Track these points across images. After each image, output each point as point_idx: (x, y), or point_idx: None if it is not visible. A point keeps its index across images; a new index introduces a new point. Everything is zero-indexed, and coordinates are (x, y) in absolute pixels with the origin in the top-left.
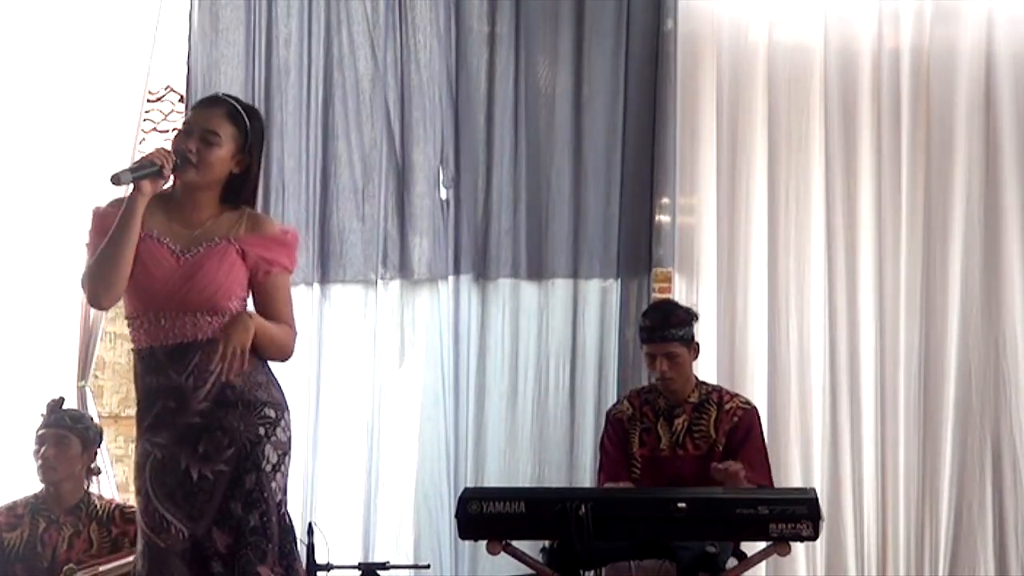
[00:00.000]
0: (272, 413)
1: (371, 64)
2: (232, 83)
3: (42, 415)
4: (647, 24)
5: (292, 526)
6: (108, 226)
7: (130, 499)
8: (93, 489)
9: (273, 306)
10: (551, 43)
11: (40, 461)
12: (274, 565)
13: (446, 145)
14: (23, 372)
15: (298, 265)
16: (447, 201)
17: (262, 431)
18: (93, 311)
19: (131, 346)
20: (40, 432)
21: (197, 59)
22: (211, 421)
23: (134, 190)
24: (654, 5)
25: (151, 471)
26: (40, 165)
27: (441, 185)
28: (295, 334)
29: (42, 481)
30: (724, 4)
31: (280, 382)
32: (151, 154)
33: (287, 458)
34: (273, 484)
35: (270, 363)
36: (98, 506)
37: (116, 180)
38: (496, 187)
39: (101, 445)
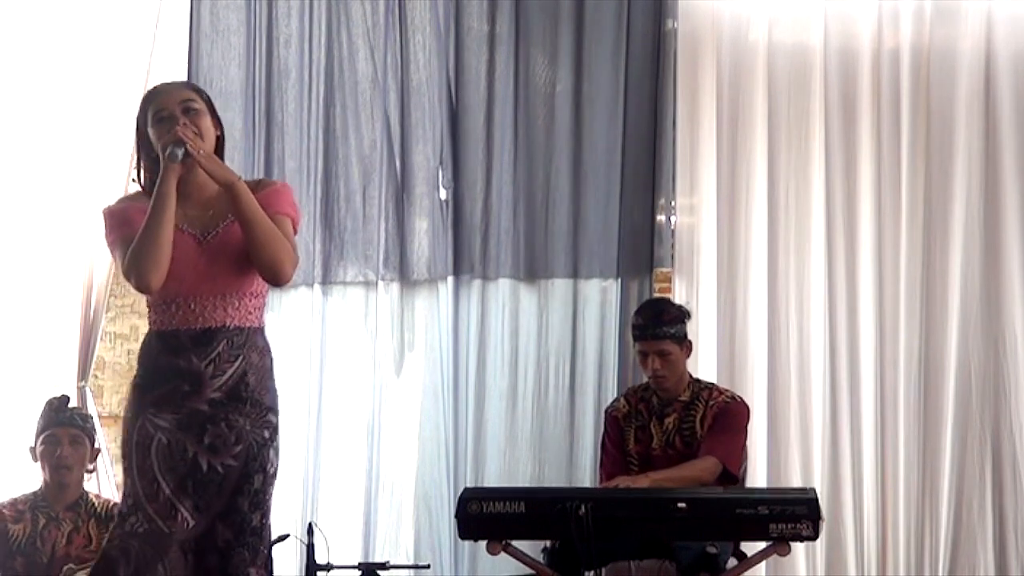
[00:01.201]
0: (274, 420)
1: (371, 65)
2: (232, 84)
3: (45, 413)
4: (647, 24)
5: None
6: (129, 217)
7: None
8: (90, 487)
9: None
10: (551, 43)
11: (55, 461)
12: (262, 567)
13: (445, 145)
14: (23, 372)
15: (299, 216)
16: (447, 201)
17: (267, 434)
18: (93, 312)
19: (149, 327)
20: (50, 432)
21: (197, 60)
22: (218, 412)
23: (166, 169)
24: (654, 5)
25: (158, 455)
26: (40, 165)
27: (441, 185)
28: (296, 258)
29: (54, 480)
30: (724, 4)
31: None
32: (176, 131)
33: (279, 467)
34: (271, 489)
35: (262, 281)
36: (96, 504)
37: (174, 157)
38: (496, 187)
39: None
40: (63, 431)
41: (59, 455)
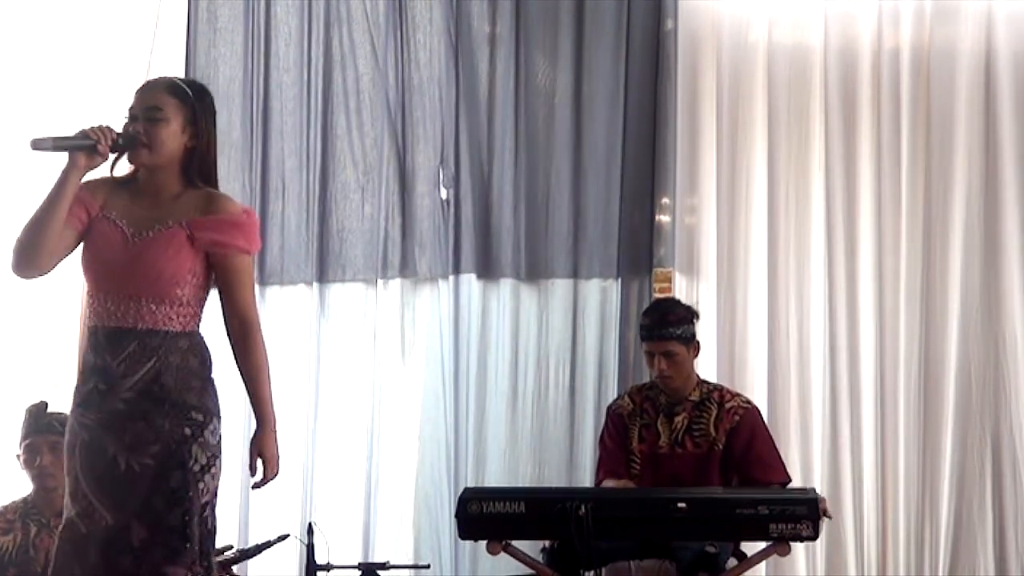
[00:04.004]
0: (200, 417)
1: (371, 63)
2: (231, 82)
3: (25, 421)
4: (647, 24)
5: (215, 528)
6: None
7: None
8: None
9: (233, 288)
10: (551, 43)
11: (36, 470)
12: (192, 564)
13: (446, 145)
14: (22, 372)
15: (258, 248)
16: (447, 201)
17: (188, 431)
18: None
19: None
20: (30, 440)
21: (195, 57)
22: (135, 410)
23: (68, 163)
24: (654, 5)
25: (81, 454)
26: (39, 165)
27: (441, 185)
28: (258, 327)
29: (39, 489)
30: (724, 4)
31: (217, 390)
32: (87, 129)
33: (218, 461)
34: (200, 485)
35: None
36: None
37: (35, 145)
38: (496, 187)
39: None
40: (42, 440)
41: (39, 464)
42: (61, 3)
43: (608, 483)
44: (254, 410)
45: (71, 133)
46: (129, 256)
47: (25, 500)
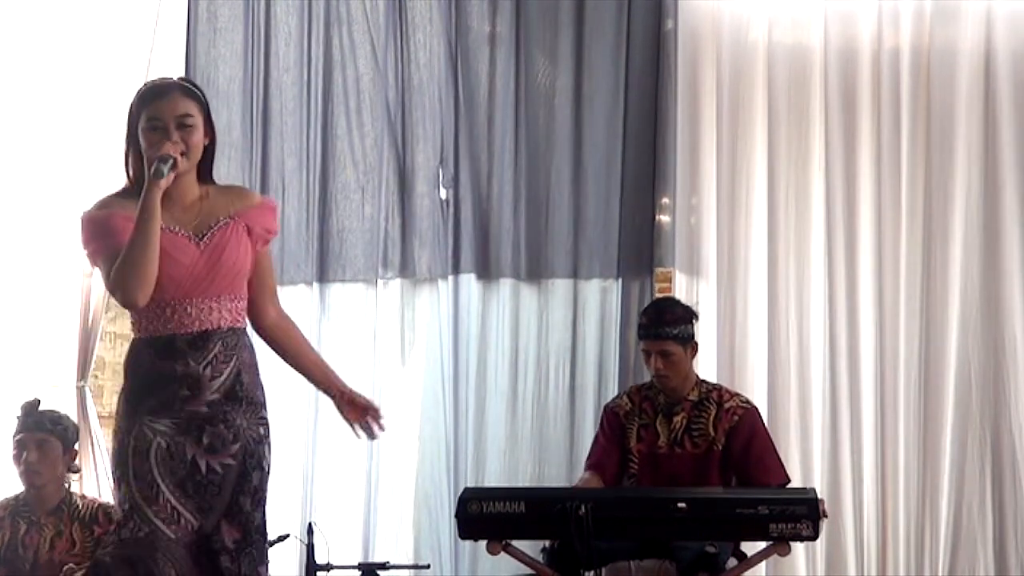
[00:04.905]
0: (267, 417)
1: (371, 63)
2: (231, 82)
3: (17, 418)
4: (647, 24)
5: None
6: (112, 227)
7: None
8: (75, 488)
9: (268, 275)
10: (551, 43)
11: (23, 467)
12: (266, 568)
13: (446, 145)
14: (22, 372)
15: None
16: (447, 201)
17: (262, 431)
18: (92, 311)
19: (136, 335)
20: (19, 437)
21: (195, 57)
22: (216, 412)
23: (153, 185)
24: (654, 5)
25: (157, 459)
26: (39, 164)
27: (441, 185)
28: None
29: (26, 486)
30: (724, 4)
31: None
32: (166, 148)
33: (272, 465)
34: (267, 486)
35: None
36: (80, 506)
37: (160, 174)
38: (496, 187)
39: (78, 443)
40: (30, 436)
41: (26, 460)
42: (61, 3)
43: (584, 476)
44: (330, 384)
45: (159, 156)
46: (206, 258)
47: (17, 497)
